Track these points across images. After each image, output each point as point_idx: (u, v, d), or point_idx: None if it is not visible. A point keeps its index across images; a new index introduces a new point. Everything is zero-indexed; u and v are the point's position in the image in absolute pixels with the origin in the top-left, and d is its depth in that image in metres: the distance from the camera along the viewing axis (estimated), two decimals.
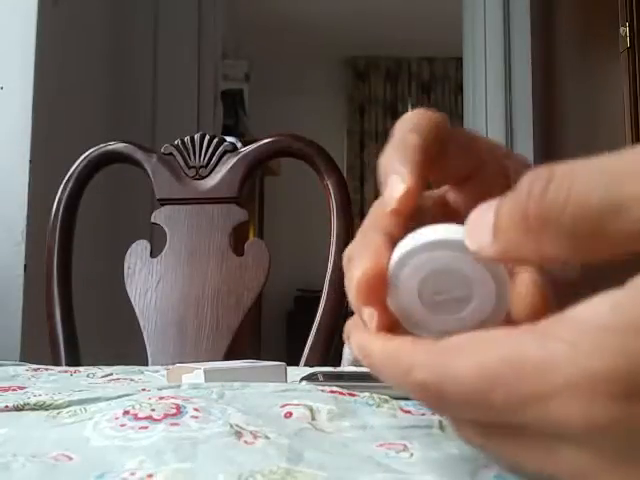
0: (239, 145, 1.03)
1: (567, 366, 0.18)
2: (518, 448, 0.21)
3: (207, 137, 1.02)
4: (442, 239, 0.23)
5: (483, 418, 0.21)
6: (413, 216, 0.27)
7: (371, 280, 0.24)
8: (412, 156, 0.28)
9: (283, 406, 0.36)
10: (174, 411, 0.33)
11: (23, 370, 0.64)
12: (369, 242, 0.26)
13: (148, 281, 0.98)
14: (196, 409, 0.34)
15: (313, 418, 0.34)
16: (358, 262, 0.25)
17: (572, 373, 0.18)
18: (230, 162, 1.00)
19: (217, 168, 1.00)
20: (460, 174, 0.32)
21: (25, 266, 1.68)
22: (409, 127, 0.29)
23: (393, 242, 0.25)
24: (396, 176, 0.27)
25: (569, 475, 0.20)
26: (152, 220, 1.01)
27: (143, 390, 0.40)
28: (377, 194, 0.28)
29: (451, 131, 0.30)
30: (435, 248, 0.24)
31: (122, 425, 0.32)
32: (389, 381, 0.23)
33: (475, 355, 0.20)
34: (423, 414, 0.36)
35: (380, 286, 0.24)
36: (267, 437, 0.30)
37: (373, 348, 0.24)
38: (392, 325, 0.25)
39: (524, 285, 0.24)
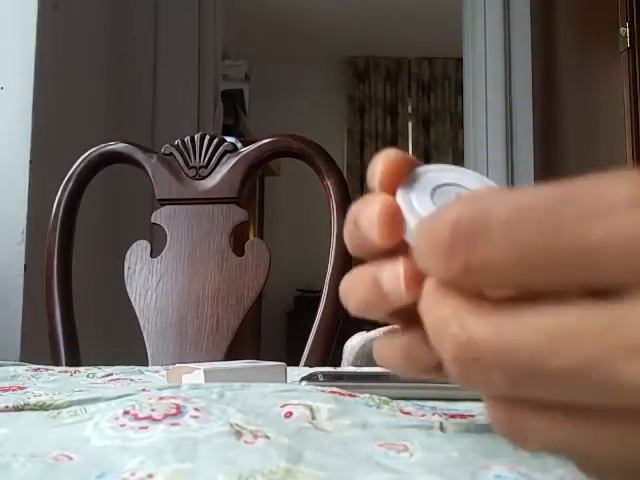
0: (239, 145, 1.03)
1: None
2: (581, 431, 0.19)
3: (207, 137, 1.02)
4: (447, 167, 0.27)
5: (533, 390, 0.19)
6: None
7: (389, 211, 0.24)
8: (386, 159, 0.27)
9: (283, 406, 0.36)
10: (174, 411, 0.33)
11: (23, 370, 0.64)
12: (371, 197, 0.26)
13: (148, 281, 0.98)
14: (196, 409, 0.34)
15: (313, 417, 0.34)
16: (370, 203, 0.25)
17: None
18: (230, 162, 1.00)
19: (217, 168, 1.00)
20: None
21: (25, 266, 1.68)
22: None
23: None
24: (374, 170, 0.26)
25: None
26: (152, 220, 1.01)
27: (143, 390, 0.40)
28: None
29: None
30: (444, 169, 0.27)
31: (122, 425, 0.32)
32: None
33: (533, 318, 0.18)
34: (423, 415, 0.36)
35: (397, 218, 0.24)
36: (267, 437, 0.30)
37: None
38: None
39: None
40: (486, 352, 0.19)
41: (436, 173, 0.26)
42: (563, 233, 0.18)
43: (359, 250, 0.26)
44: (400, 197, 0.25)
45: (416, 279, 0.24)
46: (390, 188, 0.25)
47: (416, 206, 0.24)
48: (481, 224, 0.19)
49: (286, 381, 0.53)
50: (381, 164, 0.25)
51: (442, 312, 0.20)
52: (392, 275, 0.24)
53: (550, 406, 0.19)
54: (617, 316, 0.17)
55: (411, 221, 0.24)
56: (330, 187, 0.96)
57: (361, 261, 0.27)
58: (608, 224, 0.17)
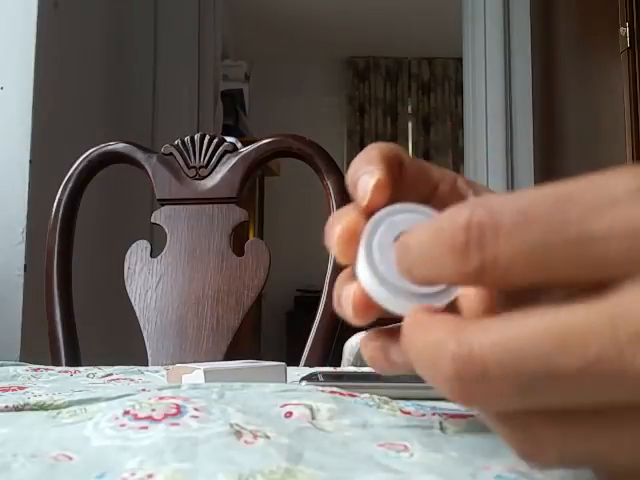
0: (239, 145, 1.03)
1: None
2: (598, 434, 0.19)
3: (207, 137, 1.02)
4: (413, 207, 0.27)
5: (544, 397, 0.18)
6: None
7: (351, 231, 0.26)
8: (378, 159, 0.29)
9: (283, 406, 0.36)
10: (174, 411, 0.33)
11: (23, 370, 0.64)
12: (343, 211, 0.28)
13: (148, 281, 0.98)
14: (196, 409, 0.34)
15: (313, 417, 0.34)
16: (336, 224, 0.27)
17: None
18: (230, 162, 1.00)
19: (217, 168, 1.00)
20: (417, 199, 0.31)
21: (25, 266, 1.68)
22: (369, 152, 0.30)
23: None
24: (365, 175, 0.28)
25: None
26: (152, 220, 1.01)
27: (143, 390, 0.40)
28: None
29: (406, 157, 0.32)
30: (408, 211, 0.26)
31: (122, 425, 0.32)
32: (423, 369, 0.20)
33: (536, 321, 0.18)
34: (423, 415, 0.36)
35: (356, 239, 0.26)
36: (267, 437, 0.30)
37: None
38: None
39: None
40: (491, 364, 0.18)
41: (408, 214, 0.26)
42: (566, 231, 0.18)
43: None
44: (363, 242, 0.26)
45: (365, 304, 0.26)
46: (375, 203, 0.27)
47: (376, 259, 0.25)
48: (491, 227, 0.19)
49: (286, 381, 0.53)
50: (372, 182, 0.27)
51: (434, 335, 0.20)
52: (346, 295, 0.27)
53: (563, 413, 0.19)
54: (620, 306, 0.17)
55: (366, 272, 0.25)
56: (330, 187, 0.96)
57: None
58: (609, 218, 0.17)
